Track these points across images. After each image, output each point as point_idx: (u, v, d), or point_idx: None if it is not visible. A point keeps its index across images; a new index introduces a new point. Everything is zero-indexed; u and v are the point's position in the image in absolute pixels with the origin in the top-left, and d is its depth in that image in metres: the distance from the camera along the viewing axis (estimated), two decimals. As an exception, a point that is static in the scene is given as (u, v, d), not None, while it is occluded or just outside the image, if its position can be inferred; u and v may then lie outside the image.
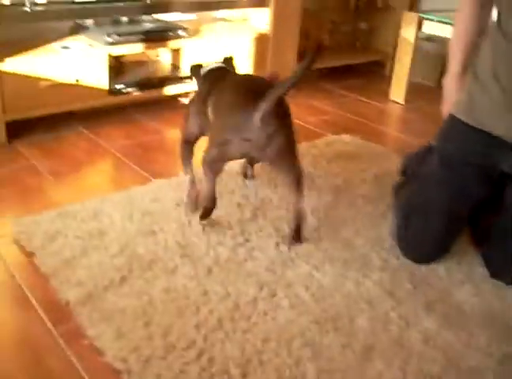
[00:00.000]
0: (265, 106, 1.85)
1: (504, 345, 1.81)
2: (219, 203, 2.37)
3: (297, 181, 2.08)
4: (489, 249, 2.20)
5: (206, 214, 2.25)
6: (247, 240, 2.24)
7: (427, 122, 3.83)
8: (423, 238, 2.15)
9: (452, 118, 2.03)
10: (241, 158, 2.31)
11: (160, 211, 2.39)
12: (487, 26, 2.13)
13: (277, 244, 2.22)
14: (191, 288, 1.95)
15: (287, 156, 2.00)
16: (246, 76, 2.45)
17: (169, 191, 2.55)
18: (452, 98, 2.21)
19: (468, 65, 2.13)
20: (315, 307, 1.90)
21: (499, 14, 1.96)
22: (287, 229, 2.31)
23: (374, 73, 4.87)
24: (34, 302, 1.87)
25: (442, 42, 4.51)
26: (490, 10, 2.12)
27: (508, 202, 2.07)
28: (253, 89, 1.98)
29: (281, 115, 1.93)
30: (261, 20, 3.97)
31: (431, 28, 3.97)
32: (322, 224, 2.40)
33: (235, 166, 2.78)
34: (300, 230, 2.20)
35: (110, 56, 3.26)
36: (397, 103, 4.14)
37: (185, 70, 3.63)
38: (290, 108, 2.04)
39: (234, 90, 2.05)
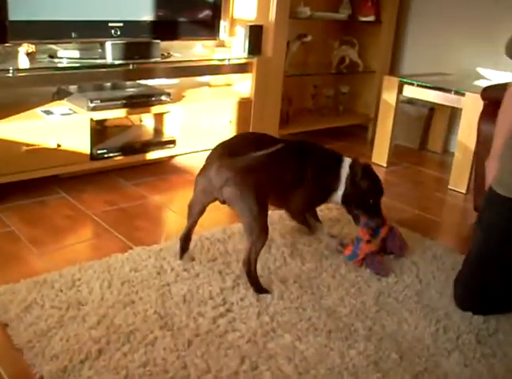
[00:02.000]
0: (221, 162, 2.19)
1: (494, 419, 1.74)
2: (200, 271, 2.32)
3: (248, 231, 2.20)
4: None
5: (180, 252, 2.47)
6: (228, 310, 2.17)
7: (410, 185, 3.83)
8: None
9: (490, 189, 2.22)
10: (209, 199, 2.34)
11: (139, 279, 2.32)
12: None
13: (259, 313, 2.16)
14: (170, 362, 1.87)
15: (237, 206, 2.21)
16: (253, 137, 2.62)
17: (150, 259, 2.48)
18: (493, 174, 2.30)
19: None
20: (299, 381, 1.82)
21: None
22: (269, 297, 2.25)
23: (357, 136, 4.88)
24: (6, 377, 1.78)
25: (422, 104, 4.56)
26: None
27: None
28: (235, 148, 2.29)
29: (239, 173, 2.15)
30: (244, 85, 3.98)
31: (411, 91, 4.01)
32: (305, 292, 2.34)
33: (216, 233, 2.73)
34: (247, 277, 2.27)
35: (92, 121, 3.23)
36: (380, 165, 4.13)
37: (169, 134, 3.61)
38: (260, 177, 2.21)
39: (226, 146, 2.35)
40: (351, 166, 2.48)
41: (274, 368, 1.87)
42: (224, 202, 2.27)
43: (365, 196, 2.47)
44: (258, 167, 2.20)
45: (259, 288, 2.28)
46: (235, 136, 2.60)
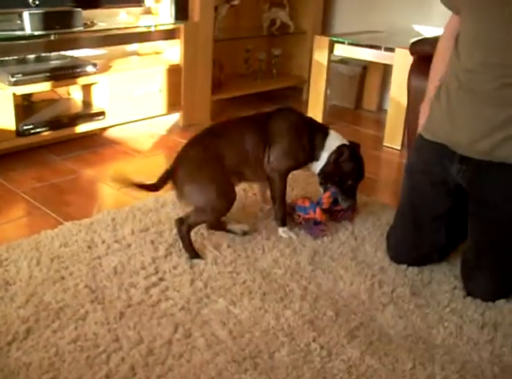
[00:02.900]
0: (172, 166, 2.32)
1: (429, 366, 1.75)
2: (132, 241, 2.29)
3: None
4: (462, 273, 2.20)
5: None
6: (161, 279, 2.13)
7: None
8: (397, 240, 2.31)
9: (418, 135, 2.22)
10: None
11: (69, 255, 2.26)
12: None
13: (193, 281, 2.12)
14: (102, 335, 1.82)
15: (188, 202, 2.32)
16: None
17: (80, 233, 2.42)
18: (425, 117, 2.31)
19: None
20: (233, 345, 1.80)
21: (458, 36, 2.08)
22: (202, 264, 2.22)
23: (292, 98, 4.83)
24: None
25: (356, 64, 4.54)
26: None
27: (470, 230, 2.12)
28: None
29: (184, 175, 2.27)
30: (173, 52, 3.89)
31: (342, 50, 3.99)
32: (239, 256, 2.31)
33: (148, 203, 2.68)
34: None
35: (15, 96, 3.11)
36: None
37: (98, 106, 3.51)
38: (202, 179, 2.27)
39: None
40: (339, 146, 2.41)
41: (208, 334, 1.84)
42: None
43: (345, 177, 2.41)
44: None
45: (191, 253, 2.25)
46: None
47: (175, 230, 2.40)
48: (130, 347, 1.77)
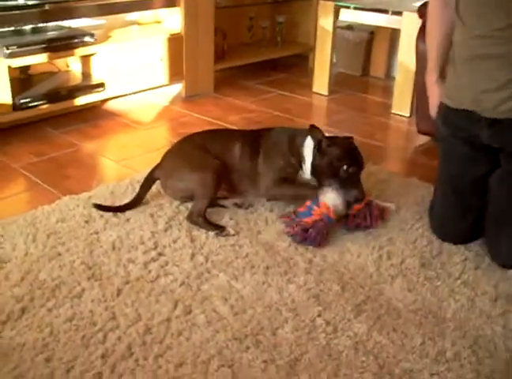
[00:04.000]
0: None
1: (439, 341, 1.68)
2: (131, 216, 2.25)
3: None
4: (487, 238, 2.13)
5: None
6: (160, 254, 2.06)
7: (352, 112, 3.73)
8: (441, 214, 2.22)
9: (441, 103, 2.14)
10: None
11: (66, 230, 2.18)
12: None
13: (193, 255, 2.05)
14: (98, 313, 1.75)
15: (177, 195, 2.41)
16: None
17: (78, 208, 2.34)
18: (434, 91, 2.25)
19: (442, 59, 2.20)
20: (234, 321, 1.73)
21: (457, 3, 2.00)
22: (203, 237, 2.15)
23: (297, 66, 4.73)
24: None
25: (362, 29, 4.42)
26: (453, 5, 2.08)
27: (492, 188, 2.06)
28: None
29: (165, 170, 2.38)
30: (174, 21, 3.78)
31: (348, 15, 3.87)
32: (242, 228, 2.24)
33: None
34: None
35: (11, 69, 3.02)
36: (321, 94, 4.02)
37: (97, 78, 3.42)
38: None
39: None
40: (316, 138, 2.29)
41: (209, 310, 1.77)
42: None
43: (335, 164, 2.23)
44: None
45: (218, 230, 2.21)
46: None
47: (175, 203, 2.36)
48: (128, 325, 1.70)
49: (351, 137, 2.39)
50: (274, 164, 2.34)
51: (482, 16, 1.90)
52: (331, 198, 2.17)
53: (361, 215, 2.23)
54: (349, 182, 2.21)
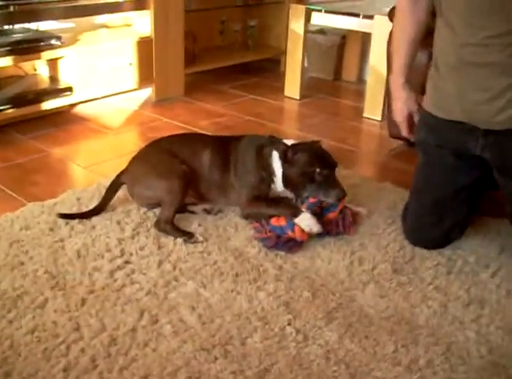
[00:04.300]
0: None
1: (412, 349, 1.64)
2: (97, 222, 2.20)
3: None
4: None
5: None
6: (127, 262, 2.00)
7: (324, 116, 3.70)
8: (415, 219, 2.16)
9: (423, 110, 2.06)
10: None
11: (30, 238, 2.12)
12: (425, 20, 2.05)
13: (160, 262, 2.00)
14: (61, 324, 1.69)
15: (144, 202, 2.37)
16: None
17: (43, 215, 2.27)
18: (400, 95, 2.16)
19: (409, 62, 2.11)
20: (202, 331, 1.68)
21: (440, 3, 1.90)
22: (171, 244, 2.10)
23: (269, 70, 4.70)
24: None
25: (334, 33, 4.40)
26: (423, 4, 2.02)
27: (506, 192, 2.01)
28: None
29: (132, 176, 2.34)
30: (144, 24, 3.72)
31: (320, 19, 3.85)
32: (211, 235, 2.20)
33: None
34: None
35: (-26, 72, 2.94)
36: (293, 98, 4.00)
37: (65, 82, 3.35)
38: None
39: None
40: (279, 149, 2.23)
41: (176, 320, 1.72)
42: None
43: (308, 170, 2.18)
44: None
45: (187, 236, 2.16)
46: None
47: (142, 209, 2.32)
48: (92, 337, 1.64)
49: (317, 141, 2.35)
50: (246, 181, 2.29)
51: (475, 23, 1.78)
52: (307, 224, 2.11)
53: (333, 222, 2.19)
54: (327, 184, 2.17)
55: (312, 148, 2.27)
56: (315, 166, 2.16)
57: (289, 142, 2.27)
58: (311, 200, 2.17)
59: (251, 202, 2.27)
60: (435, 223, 2.11)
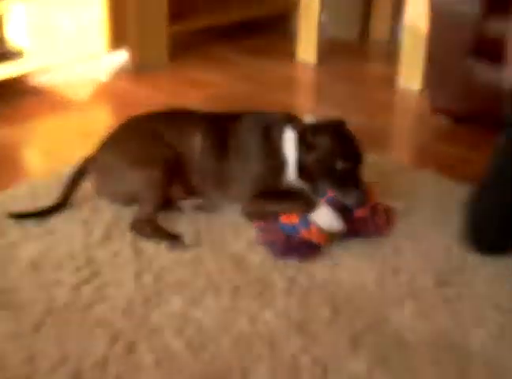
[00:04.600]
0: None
1: (461, 384, 1.63)
2: (58, 223, 2.22)
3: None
4: None
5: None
6: (96, 273, 2.00)
7: (347, 86, 3.71)
8: (485, 218, 2.16)
9: None
10: None
11: (-29, 245, 2.12)
12: None
13: (139, 274, 2.00)
14: (11, 354, 1.68)
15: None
16: None
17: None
18: None
19: None
20: (192, 361, 1.67)
21: None
22: (152, 250, 2.12)
23: (277, 29, 4.70)
24: None
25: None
26: None
27: None
28: None
29: (100, 165, 2.34)
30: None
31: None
32: (204, 238, 2.21)
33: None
34: None
35: None
36: (307, 64, 4.00)
37: (14, 44, 3.36)
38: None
39: None
40: (296, 129, 2.23)
41: (158, 347, 1.71)
42: None
43: (328, 159, 2.18)
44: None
45: (173, 239, 2.17)
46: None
47: (115, 205, 2.33)
48: (50, 370, 1.63)
49: (341, 121, 2.33)
50: (249, 171, 2.30)
51: None
52: (326, 220, 2.10)
53: (362, 221, 2.19)
54: (347, 182, 2.16)
55: (337, 131, 2.25)
56: (337, 157, 2.16)
57: (308, 120, 2.27)
58: (330, 193, 2.16)
59: (256, 198, 2.28)
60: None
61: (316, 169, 2.20)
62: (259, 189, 2.28)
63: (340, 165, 2.14)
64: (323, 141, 2.18)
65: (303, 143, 2.21)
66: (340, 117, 2.38)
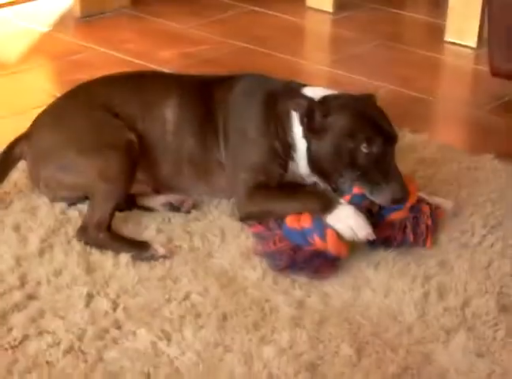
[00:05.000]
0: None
1: None
2: None
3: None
4: None
5: None
6: (31, 296, 2.01)
7: (378, 40, 3.76)
8: None
9: None
10: None
11: None
12: None
13: (91, 297, 2.00)
14: None
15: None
16: None
17: None
18: None
19: None
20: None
21: None
22: (109, 264, 2.13)
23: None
24: None
25: None
26: None
27: None
28: None
29: (36, 149, 2.35)
30: None
31: None
32: (179, 247, 2.22)
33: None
34: None
35: None
36: (322, 11, 4.03)
37: None
38: None
39: None
40: (305, 103, 2.20)
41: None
42: None
43: (346, 144, 2.17)
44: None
45: (136, 250, 2.19)
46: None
47: (59, 204, 2.33)
48: None
49: (370, 95, 2.33)
50: (245, 158, 2.31)
51: None
52: (348, 225, 2.10)
53: (397, 226, 2.20)
54: (377, 172, 2.15)
55: (357, 105, 2.25)
56: (360, 139, 2.15)
57: (318, 93, 2.27)
58: (356, 189, 2.16)
59: (255, 193, 2.28)
60: None
61: (331, 159, 2.19)
62: (259, 180, 2.28)
63: (364, 148, 2.13)
64: (336, 120, 2.19)
65: (309, 125, 2.21)
66: (368, 92, 2.38)
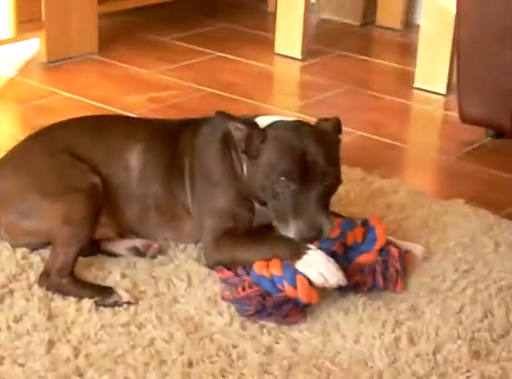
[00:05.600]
0: None
1: None
2: None
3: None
4: None
5: None
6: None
7: (347, 86, 3.75)
8: None
9: None
10: None
11: None
12: None
13: (51, 344, 1.95)
14: None
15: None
16: None
17: None
18: None
19: None
20: None
21: None
22: (71, 310, 2.08)
23: (248, 8, 4.78)
24: None
25: None
26: None
27: None
28: None
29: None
30: None
31: None
32: (143, 293, 2.18)
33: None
34: None
35: None
36: (290, 58, 4.03)
37: None
38: None
39: None
40: (248, 123, 2.21)
41: None
42: None
43: (268, 176, 2.14)
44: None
45: (92, 293, 2.15)
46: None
47: (20, 250, 2.30)
48: None
49: (331, 120, 2.31)
50: (212, 202, 2.29)
51: None
52: (318, 270, 2.07)
53: (367, 270, 2.18)
54: (292, 207, 2.12)
55: (292, 135, 2.21)
56: (278, 171, 2.12)
57: (270, 120, 2.26)
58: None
59: (223, 241, 2.25)
60: None
61: (258, 185, 2.18)
62: (226, 227, 2.26)
63: (282, 182, 2.11)
64: (268, 148, 2.17)
65: (250, 148, 2.19)
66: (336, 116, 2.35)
